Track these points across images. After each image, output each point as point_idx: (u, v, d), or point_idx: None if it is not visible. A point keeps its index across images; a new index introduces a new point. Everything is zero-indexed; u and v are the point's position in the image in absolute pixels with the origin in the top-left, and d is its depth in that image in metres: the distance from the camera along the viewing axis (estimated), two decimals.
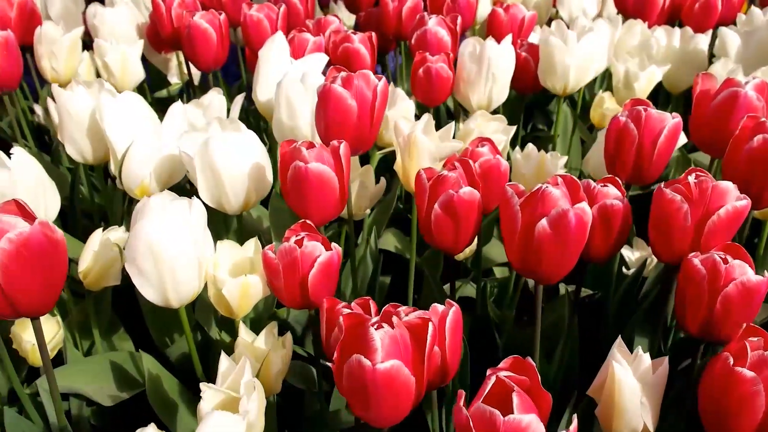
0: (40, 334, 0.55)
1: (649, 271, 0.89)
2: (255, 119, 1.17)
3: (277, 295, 0.60)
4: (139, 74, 0.95)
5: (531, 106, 1.35)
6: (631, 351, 0.85)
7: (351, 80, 0.64)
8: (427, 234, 0.60)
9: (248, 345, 0.62)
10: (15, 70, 0.87)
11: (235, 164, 0.67)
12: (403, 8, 1.09)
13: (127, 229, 0.75)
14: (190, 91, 1.23)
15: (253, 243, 0.64)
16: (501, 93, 0.92)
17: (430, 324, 0.45)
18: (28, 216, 0.51)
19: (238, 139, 0.67)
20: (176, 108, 0.74)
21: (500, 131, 0.86)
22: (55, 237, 0.50)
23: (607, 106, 1.08)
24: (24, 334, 0.67)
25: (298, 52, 0.92)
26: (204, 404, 0.49)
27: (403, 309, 0.51)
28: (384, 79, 0.66)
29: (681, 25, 1.14)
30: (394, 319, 0.46)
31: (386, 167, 1.08)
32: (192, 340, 0.64)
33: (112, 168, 0.73)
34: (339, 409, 0.71)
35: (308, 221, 0.60)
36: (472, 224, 0.58)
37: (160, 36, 1.09)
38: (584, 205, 0.52)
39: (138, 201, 1.01)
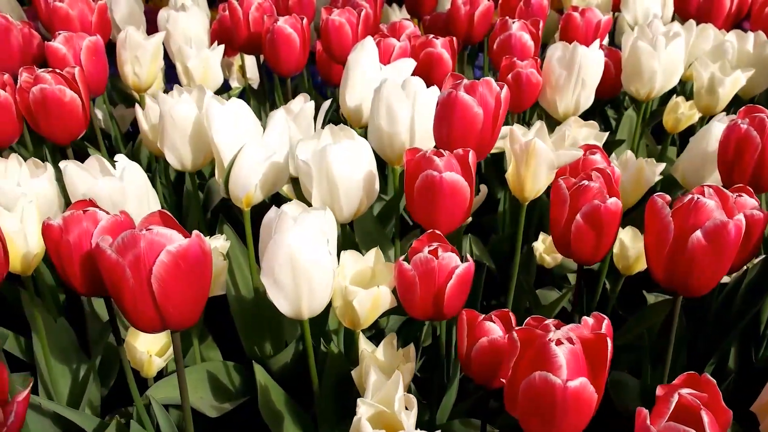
0: (178, 348, 0.54)
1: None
2: None
3: (406, 306, 0.59)
4: (218, 79, 0.94)
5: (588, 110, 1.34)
6: (727, 361, 0.84)
7: (475, 87, 0.63)
8: (563, 244, 0.59)
9: (375, 358, 0.61)
10: (102, 76, 0.86)
11: (351, 172, 0.66)
12: (476, 12, 1.08)
13: (228, 239, 0.75)
14: (248, 95, 1.22)
15: (374, 253, 0.63)
16: (588, 98, 0.91)
17: (608, 340, 0.44)
18: (176, 227, 0.50)
19: (353, 147, 0.66)
20: (279, 115, 0.73)
21: (592, 137, 0.85)
22: (206, 249, 0.49)
23: (681, 111, 1.07)
24: (137, 344, 0.66)
25: (383, 57, 0.91)
26: (363, 420, 0.48)
27: (550, 322, 0.49)
28: (506, 86, 0.65)
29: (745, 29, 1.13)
30: (571, 334, 0.44)
31: None
32: (312, 351, 0.63)
33: (217, 176, 0.72)
34: (450, 422, 0.70)
35: (437, 231, 0.59)
36: (613, 234, 0.57)
37: (227, 39, 1.08)
38: (742, 216, 0.51)
39: (208, 208, 1.00)
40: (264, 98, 1.21)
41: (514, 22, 0.96)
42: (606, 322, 0.50)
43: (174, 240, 0.47)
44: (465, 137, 0.63)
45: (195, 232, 0.49)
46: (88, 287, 0.53)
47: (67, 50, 0.82)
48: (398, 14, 1.41)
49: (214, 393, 0.77)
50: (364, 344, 0.63)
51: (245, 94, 1.24)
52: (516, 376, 0.44)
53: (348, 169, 0.65)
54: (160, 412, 0.66)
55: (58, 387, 0.77)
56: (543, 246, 0.89)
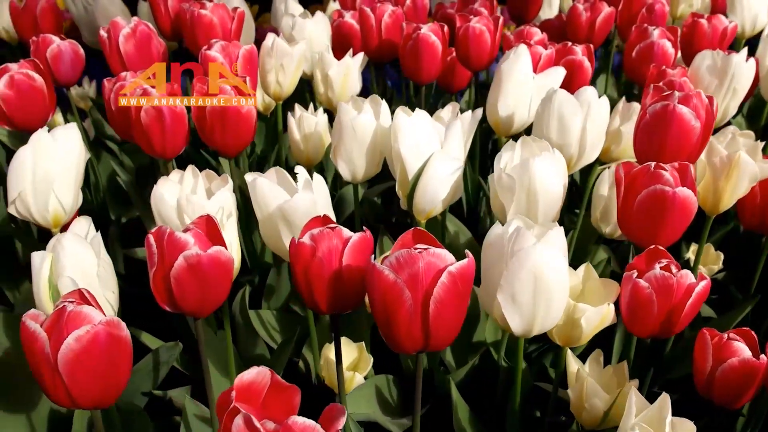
0: (419, 367, 0.53)
1: None
2: None
3: (632, 323, 0.58)
4: (356, 88, 0.93)
5: None
6: None
7: (690, 99, 0.62)
8: None
9: (601, 376, 0.60)
10: (255, 84, 0.85)
11: (551, 185, 0.65)
12: (597, 18, 1.07)
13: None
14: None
15: (584, 268, 0.62)
16: (735, 107, 0.90)
17: None
18: (437, 245, 0.49)
19: (553, 159, 0.65)
20: (456, 126, 0.72)
21: (749, 147, 0.84)
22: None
23: None
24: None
25: None
26: None
27: None
28: (714, 98, 0.63)
29: None
30: None
31: None
32: (520, 370, 0.62)
33: (398, 188, 0.71)
34: None
35: (659, 246, 0.58)
36: None
37: (347, 46, 1.06)
38: None
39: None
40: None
41: (654, 30, 0.94)
42: None
43: (447, 260, 0.46)
44: (679, 150, 0.62)
45: (466, 251, 0.48)
46: (332, 305, 0.52)
47: (224, 58, 0.80)
48: None
49: (381, 407, 0.76)
50: (573, 362, 0.62)
51: None
52: None
53: (549, 181, 0.64)
54: (355, 428, 0.65)
55: (212, 398, 0.76)
56: (692, 256, 0.88)
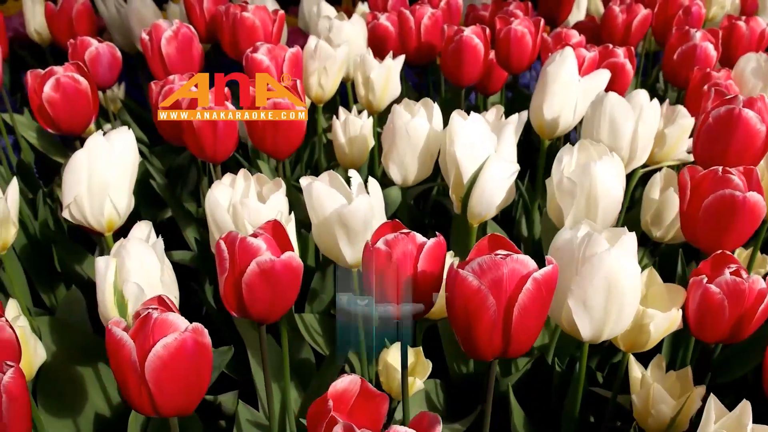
0: (493, 374, 0.53)
1: None
2: None
3: (699, 329, 0.58)
4: (397, 90, 0.93)
5: None
6: None
7: (754, 103, 0.61)
8: None
9: (664, 381, 0.59)
10: (302, 88, 0.84)
11: (612, 189, 0.64)
12: (634, 20, 1.07)
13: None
14: None
15: (647, 273, 0.62)
16: None
17: None
18: (516, 252, 0.48)
19: (614, 163, 0.65)
20: (510, 130, 0.71)
21: None
22: None
23: None
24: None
25: None
26: None
27: None
28: None
29: None
30: None
31: None
32: (584, 374, 0.61)
33: (451, 192, 0.70)
34: None
35: (726, 251, 0.58)
36: None
37: (382, 48, 1.06)
38: None
39: None
40: None
41: (696, 32, 0.94)
42: None
43: (531, 266, 0.46)
44: (743, 154, 0.61)
45: (548, 258, 0.47)
46: None
47: (270, 61, 0.80)
48: None
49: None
50: (637, 368, 0.62)
51: None
52: None
53: (610, 185, 0.64)
54: None
55: (272, 405, 0.75)
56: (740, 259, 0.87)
